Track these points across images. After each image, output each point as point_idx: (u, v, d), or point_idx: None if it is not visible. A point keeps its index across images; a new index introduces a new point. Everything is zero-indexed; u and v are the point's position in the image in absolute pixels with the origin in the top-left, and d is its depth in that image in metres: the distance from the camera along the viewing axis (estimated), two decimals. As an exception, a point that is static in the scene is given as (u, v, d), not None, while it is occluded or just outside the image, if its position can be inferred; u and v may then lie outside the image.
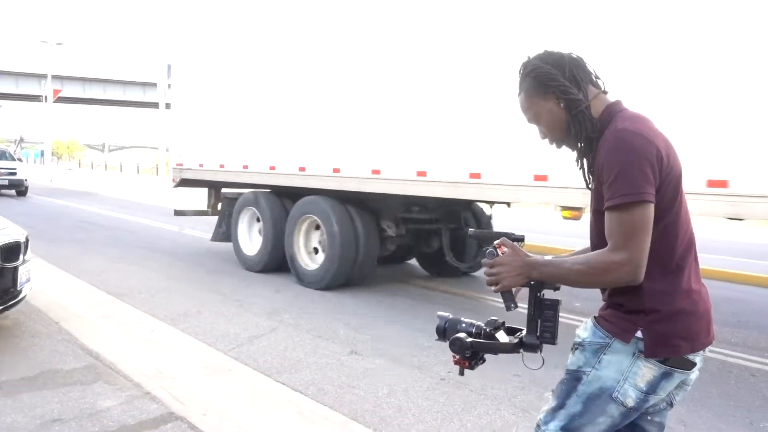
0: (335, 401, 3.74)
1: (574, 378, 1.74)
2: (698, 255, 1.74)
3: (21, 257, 4.61)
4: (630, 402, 1.65)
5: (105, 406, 3.39)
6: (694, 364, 1.66)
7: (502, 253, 1.71)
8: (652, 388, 1.64)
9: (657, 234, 1.59)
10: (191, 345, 4.72)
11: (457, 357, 1.85)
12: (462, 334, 1.86)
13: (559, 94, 1.70)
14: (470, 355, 1.84)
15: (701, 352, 1.67)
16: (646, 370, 1.63)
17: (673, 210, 1.63)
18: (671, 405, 1.78)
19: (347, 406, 3.68)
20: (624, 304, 1.66)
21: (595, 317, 1.75)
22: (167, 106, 31.72)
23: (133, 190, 25.47)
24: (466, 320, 1.90)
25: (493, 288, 1.71)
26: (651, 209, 1.55)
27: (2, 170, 19.61)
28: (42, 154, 56.58)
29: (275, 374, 4.15)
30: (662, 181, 1.58)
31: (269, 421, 3.40)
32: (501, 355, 1.97)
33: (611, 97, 1.74)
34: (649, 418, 1.77)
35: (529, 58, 1.76)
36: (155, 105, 45.01)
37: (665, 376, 1.64)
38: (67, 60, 50.34)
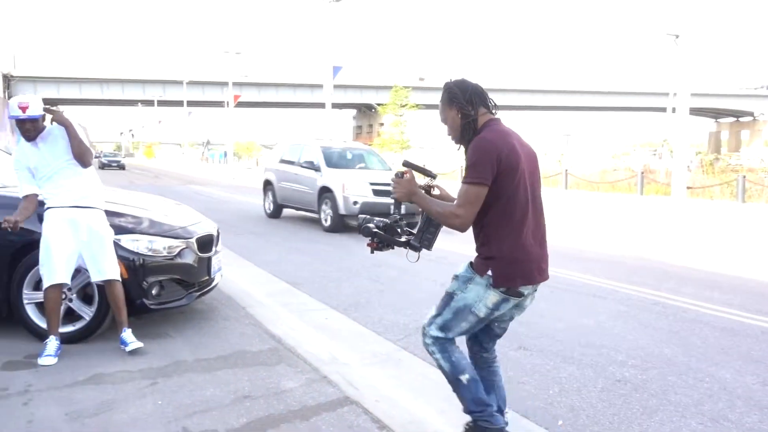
0: (504, 396, 3.69)
1: (449, 297, 2.72)
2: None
3: (213, 248, 5.10)
4: (481, 314, 2.65)
5: (288, 387, 3.66)
6: (523, 294, 2.62)
7: (405, 177, 2.67)
8: (496, 306, 2.64)
9: (500, 207, 2.55)
10: (362, 333, 4.93)
11: (368, 240, 2.79)
12: (371, 225, 2.79)
13: (458, 108, 2.64)
14: (378, 241, 2.78)
15: (531, 287, 2.64)
16: (493, 296, 2.61)
17: (510, 192, 2.53)
18: (512, 318, 2.81)
19: (517, 402, 3.62)
20: (482, 253, 2.64)
21: (471, 261, 2.69)
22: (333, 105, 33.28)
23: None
24: (377, 218, 2.84)
25: (390, 195, 2.72)
26: (485, 189, 2.49)
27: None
28: (225, 154, 62.38)
29: (443, 366, 4.19)
30: (500, 173, 2.50)
31: (438, 411, 3.45)
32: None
33: (497, 117, 2.68)
34: (497, 324, 2.83)
35: (450, 80, 2.70)
36: (322, 105, 47.53)
37: (504, 300, 2.62)
38: (245, 67, 54.85)
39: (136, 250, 4.39)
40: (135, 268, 4.35)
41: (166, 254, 4.53)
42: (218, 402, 3.40)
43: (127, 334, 4.14)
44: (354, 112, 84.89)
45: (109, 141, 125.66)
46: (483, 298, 2.62)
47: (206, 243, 4.98)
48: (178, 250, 4.61)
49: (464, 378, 2.74)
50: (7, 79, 54.16)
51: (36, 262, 4.07)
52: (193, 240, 4.78)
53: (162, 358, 4.07)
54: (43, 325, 4.18)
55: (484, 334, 2.88)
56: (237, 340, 4.53)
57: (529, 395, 3.73)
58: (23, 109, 3.96)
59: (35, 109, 3.99)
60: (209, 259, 4.97)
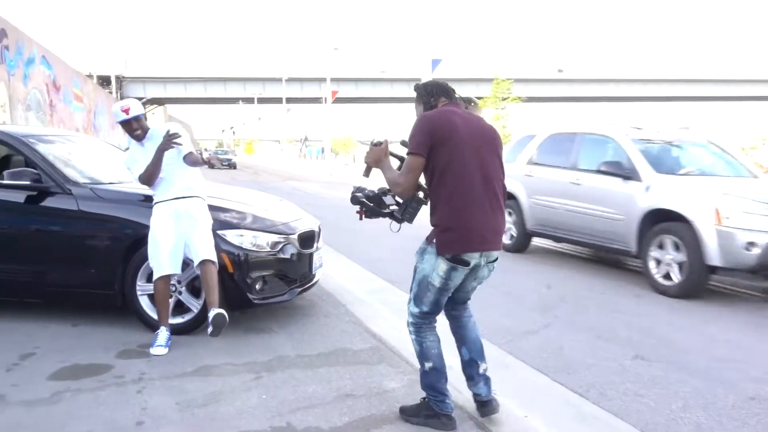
0: (620, 409, 3.54)
1: (414, 271, 3.09)
2: None
3: (315, 245, 5.22)
4: (436, 284, 2.97)
5: (390, 387, 3.68)
6: (468, 263, 2.90)
7: (381, 146, 3.08)
8: (447, 275, 2.94)
9: (438, 177, 2.88)
10: (465, 335, 4.87)
11: (357, 208, 3.27)
12: (359, 194, 3.24)
13: (422, 102, 3.12)
14: (366, 210, 3.25)
15: (477, 255, 2.91)
16: (443, 265, 2.91)
17: (444, 162, 2.85)
18: (473, 288, 3.17)
19: (635, 415, 3.46)
20: (431, 221, 2.95)
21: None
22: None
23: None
24: (368, 188, 3.29)
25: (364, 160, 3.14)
26: (419, 159, 2.88)
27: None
28: (323, 150, 64.00)
29: (552, 373, 4.08)
30: (433, 145, 2.86)
31: (547, 421, 3.35)
32: None
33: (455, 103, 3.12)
34: (461, 293, 3.17)
35: (421, 82, 3.22)
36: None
37: (452, 269, 2.92)
38: (342, 63, 55.80)
39: (240, 245, 4.57)
40: (240, 263, 4.52)
41: (269, 250, 4.68)
42: (320, 399, 3.47)
43: (213, 312, 4.15)
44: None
45: (212, 138, 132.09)
46: (435, 267, 2.94)
47: (308, 239, 5.10)
48: (280, 245, 4.75)
49: (427, 365, 3.15)
50: (119, 81, 58.21)
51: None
52: (295, 236, 4.91)
53: (265, 352, 4.21)
54: (155, 316, 4.43)
55: (452, 302, 3.23)
56: (338, 338, 4.60)
57: (648, 409, 3.55)
58: (126, 111, 4.28)
59: (136, 109, 4.32)
60: (311, 255, 5.09)
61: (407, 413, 3.25)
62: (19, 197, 4.62)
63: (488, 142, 3.00)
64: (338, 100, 52.99)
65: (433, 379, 3.16)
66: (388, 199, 3.24)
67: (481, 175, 2.90)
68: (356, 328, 4.87)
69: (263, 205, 5.42)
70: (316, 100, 61.11)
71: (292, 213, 5.46)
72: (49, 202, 4.61)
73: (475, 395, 3.27)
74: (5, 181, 4.56)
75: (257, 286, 4.61)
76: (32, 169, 4.67)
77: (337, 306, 5.51)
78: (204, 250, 4.28)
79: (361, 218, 3.29)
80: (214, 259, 4.30)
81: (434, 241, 2.91)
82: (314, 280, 5.23)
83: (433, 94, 3.09)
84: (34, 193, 4.62)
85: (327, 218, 12.32)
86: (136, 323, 4.58)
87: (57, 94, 20.82)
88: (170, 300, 4.38)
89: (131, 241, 4.50)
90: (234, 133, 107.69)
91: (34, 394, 3.44)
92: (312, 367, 3.98)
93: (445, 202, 2.88)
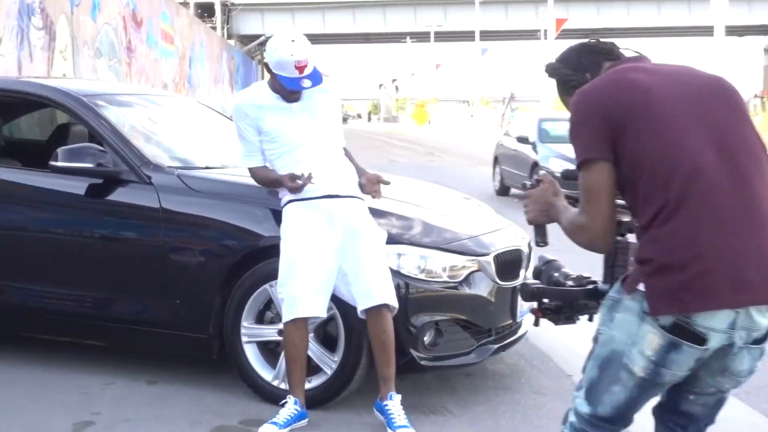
0: None
1: (594, 339, 2.66)
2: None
3: (523, 273, 5.15)
4: (639, 371, 2.47)
5: None
6: (704, 339, 2.37)
7: (540, 185, 2.81)
8: (661, 359, 2.43)
9: (643, 183, 2.48)
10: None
11: (533, 306, 2.95)
12: (532, 281, 3.02)
13: (571, 85, 2.78)
14: (549, 305, 2.88)
15: (725, 320, 2.37)
16: (652, 336, 2.43)
17: (643, 157, 2.48)
18: (721, 391, 2.62)
19: None
20: (638, 252, 2.56)
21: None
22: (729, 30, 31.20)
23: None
24: (563, 271, 2.93)
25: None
26: (602, 167, 2.51)
27: None
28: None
29: None
30: (616, 130, 2.50)
31: None
32: None
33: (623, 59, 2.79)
34: (691, 398, 2.64)
35: (549, 63, 2.93)
36: (707, 30, 45.49)
37: (673, 347, 2.40)
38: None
39: (400, 270, 4.62)
40: (399, 299, 4.53)
41: (446, 279, 4.72)
42: None
43: (395, 403, 4.32)
44: (766, 41, 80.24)
45: (361, 98, 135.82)
46: (638, 338, 2.46)
47: (511, 264, 5.08)
48: (465, 273, 4.77)
49: None
50: (227, 9, 61.75)
51: (262, 280, 4.52)
52: (490, 258, 4.91)
53: (436, 447, 4.24)
54: (267, 375, 4.62)
55: (671, 411, 2.75)
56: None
57: None
58: (302, 68, 4.12)
59: (312, 62, 4.17)
60: (514, 290, 5.03)
61: None
62: (78, 187, 5.01)
63: (723, 103, 2.59)
64: (566, 34, 52.39)
65: None
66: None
67: (722, 163, 2.45)
68: (588, 416, 4.75)
69: (439, 206, 5.46)
70: (529, 34, 60.92)
71: (485, 221, 5.46)
72: (118, 195, 4.96)
73: None
74: (59, 163, 4.87)
75: (426, 338, 4.66)
76: (97, 146, 5.04)
77: (558, 376, 5.43)
78: (382, 291, 4.30)
79: (536, 323, 2.99)
80: (395, 303, 4.33)
81: (639, 288, 2.46)
82: (519, 333, 5.19)
83: (586, 68, 2.78)
84: (99, 180, 4.99)
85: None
86: (238, 385, 4.80)
87: (137, 32, 22.52)
88: (306, 353, 4.42)
89: (235, 259, 4.72)
90: (397, 89, 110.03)
91: (89, 486, 3.72)
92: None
93: (661, 221, 2.43)
